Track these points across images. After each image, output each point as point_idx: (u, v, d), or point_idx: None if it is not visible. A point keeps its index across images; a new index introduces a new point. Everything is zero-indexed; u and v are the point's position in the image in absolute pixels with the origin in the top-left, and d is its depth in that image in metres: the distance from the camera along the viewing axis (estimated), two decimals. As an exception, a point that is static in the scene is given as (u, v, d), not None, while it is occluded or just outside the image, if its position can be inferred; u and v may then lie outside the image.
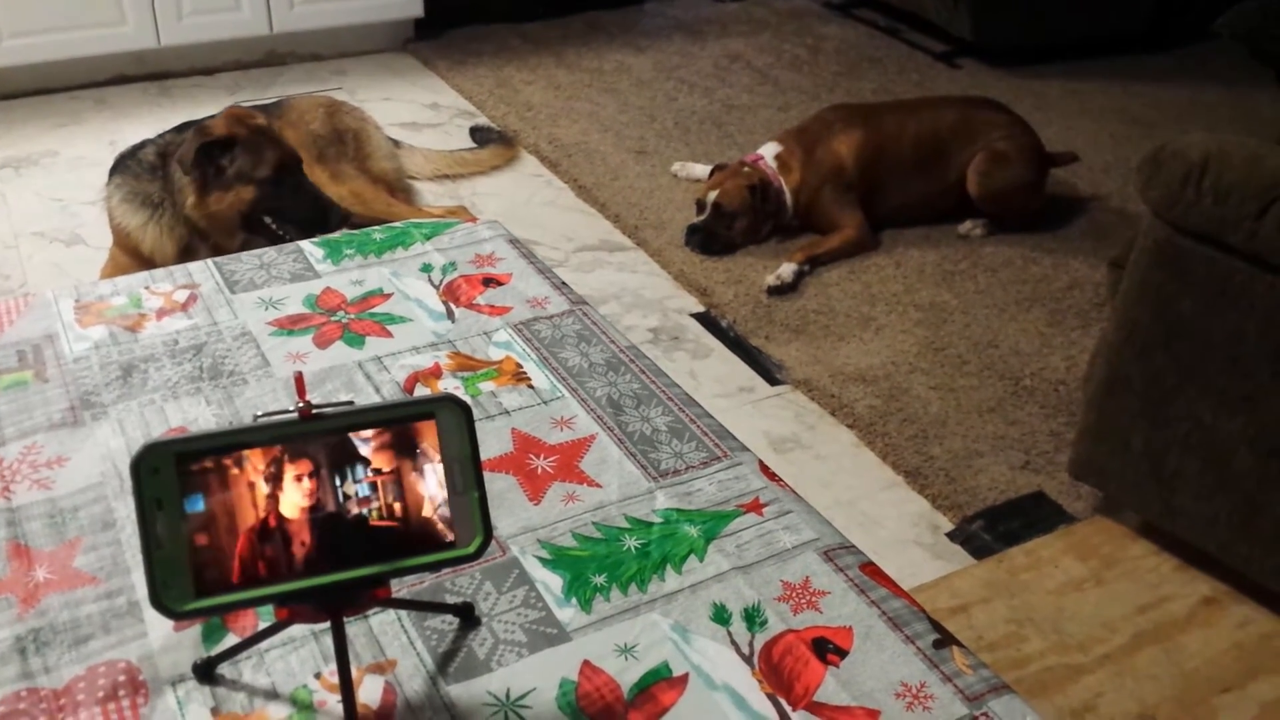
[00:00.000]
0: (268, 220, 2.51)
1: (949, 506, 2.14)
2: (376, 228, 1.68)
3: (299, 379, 0.85)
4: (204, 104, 3.66)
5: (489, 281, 1.53)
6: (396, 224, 1.69)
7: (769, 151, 3.05)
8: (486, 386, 1.35)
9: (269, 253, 1.61)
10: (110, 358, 1.40)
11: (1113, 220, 3.18)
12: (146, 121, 3.53)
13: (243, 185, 2.45)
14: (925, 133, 3.05)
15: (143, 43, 3.71)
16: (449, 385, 1.34)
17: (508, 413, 1.32)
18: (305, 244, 1.64)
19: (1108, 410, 1.98)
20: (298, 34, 3.96)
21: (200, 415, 1.30)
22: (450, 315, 1.49)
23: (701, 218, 2.97)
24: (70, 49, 3.62)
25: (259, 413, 0.85)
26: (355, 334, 1.45)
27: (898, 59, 4.29)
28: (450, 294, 1.52)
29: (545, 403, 1.34)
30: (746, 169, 3.00)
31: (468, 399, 1.33)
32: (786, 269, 2.83)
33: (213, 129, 2.44)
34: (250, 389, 1.35)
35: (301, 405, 0.83)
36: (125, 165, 2.58)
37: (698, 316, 2.74)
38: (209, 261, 1.60)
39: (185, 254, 2.53)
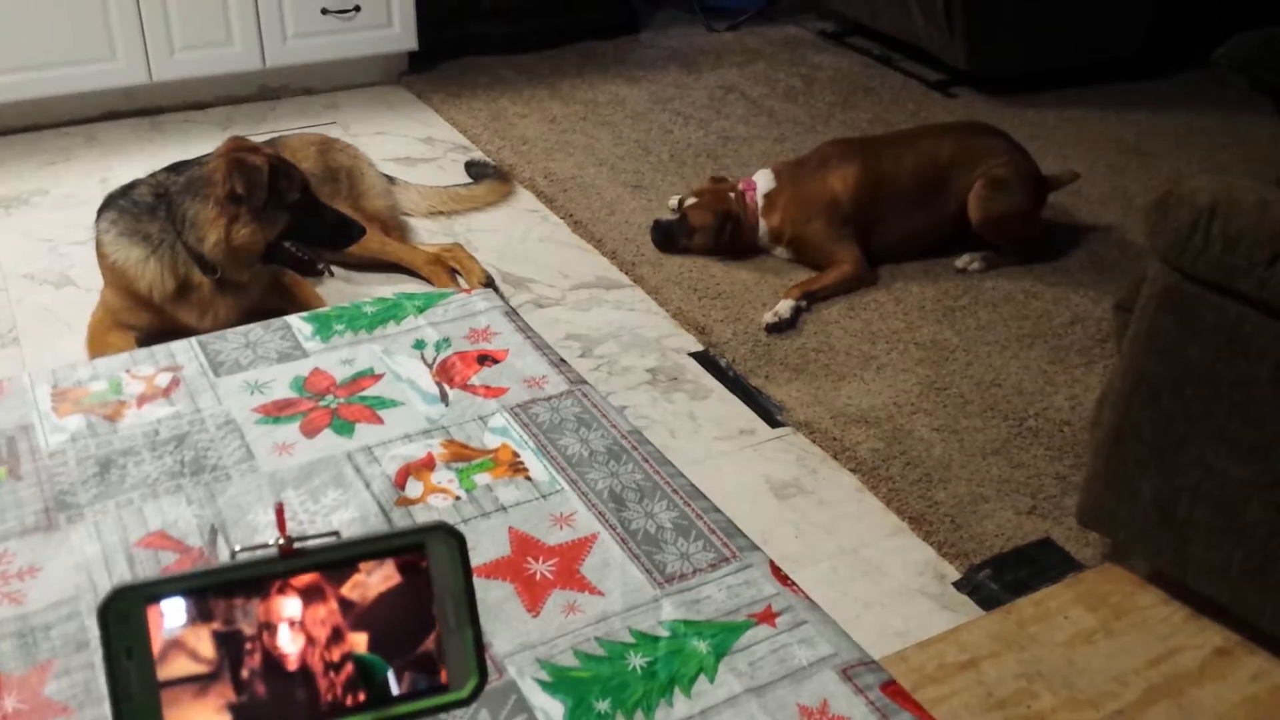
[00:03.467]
0: (288, 245, 2.48)
1: (955, 554, 2.10)
2: (367, 301, 1.62)
3: (279, 511, 0.80)
4: (196, 140, 3.64)
5: (484, 359, 1.48)
6: (388, 296, 1.62)
7: (761, 185, 3.06)
8: (482, 479, 1.29)
9: (255, 329, 1.55)
10: (88, 451, 1.33)
11: (1113, 253, 3.15)
12: (138, 158, 3.50)
13: (276, 212, 2.43)
14: (924, 164, 3.03)
15: (134, 78, 3.68)
16: (443, 478, 1.28)
17: (504, 509, 1.26)
18: (293, 319, 1.57)
19: (1116, 458, 1.95)
20: (290, 68, 3.94)
21: (181, 516, 1.24)
22: (444, 398, 1.43)
23: (669, 218, 3.11)
24: (60, 85, 3.59)
25: (237, 548, 0.80)
26: (344, 421, 1.39)
27: (892, 88, 4.28)
28: (444, 373, 1.47)
29: (544, 496, 1.27)
30: (732, 195, 3.07)
31: (462, 493, 1.28)
32: (784, 306, 2.80)
33: (254, 160, 2.39)
34: (234, 486, 1.28)
35: (282, 541, 0.78)
36: (117, 204, 2.55)
37: (696, 356, 2.70)
38: (193, 341, 1.53)
39: (184, 290, 2.50)
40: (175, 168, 2.59)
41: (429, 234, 3.17)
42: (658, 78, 4.30)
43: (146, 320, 2.53)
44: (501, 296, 2.87)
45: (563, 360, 1.47)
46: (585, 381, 1.43)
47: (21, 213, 3.22)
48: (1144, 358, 1.87)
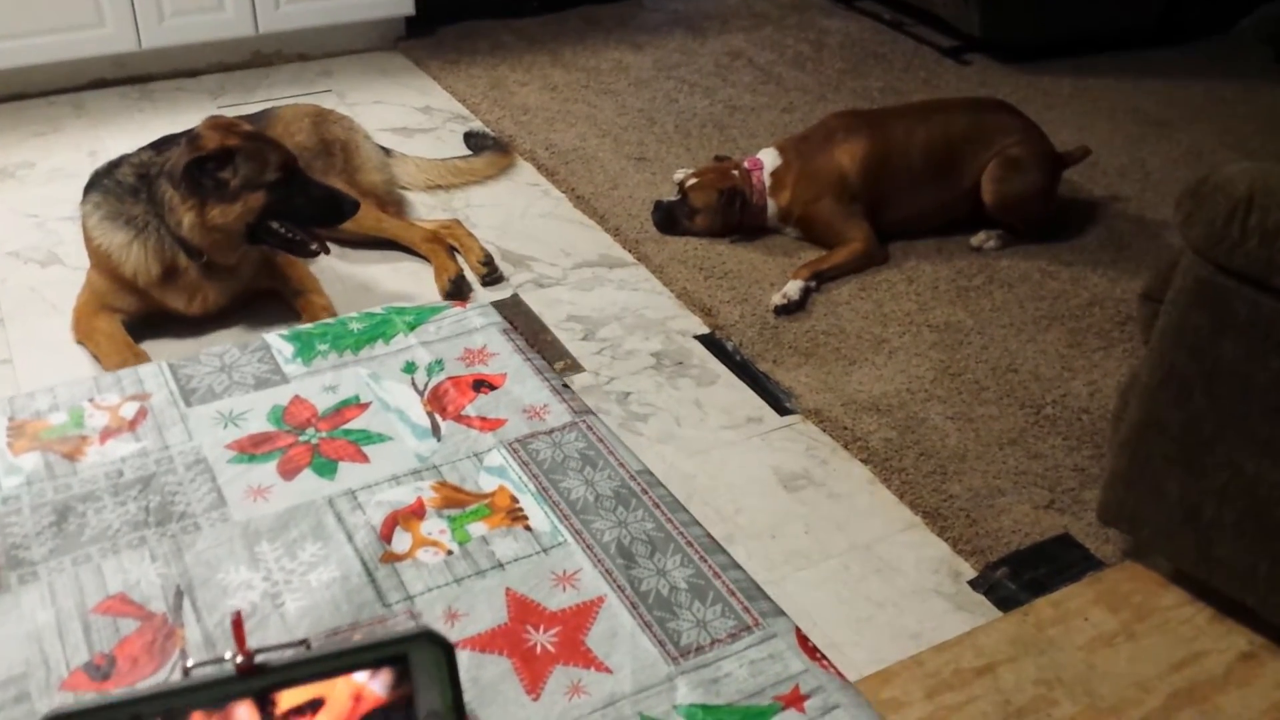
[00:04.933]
0: (275, 225, 2.39)
1: (971, 551, 2.03)
2: (354, 315, 1.49)
3: (237, 624, 0.70)
4: (187, 108, 3.54)
5: (480, 385, 1.35)
6: (376, 311, 1.49)
7: (768, 162, 2.95)
8: (476, 530, 1.17)
9: (232, 351, 1.42)
10: (44, 496, 1.21)
11: (1131, 229, 3.06)
12: (127, 128, 3.40)
13: (250, 194, 2.33)
14: (936, 139, 2.93)
15: (122, 45, 3.57)
16: (433, 528, 1.16)
17: (501, 566, 1.13)
18: (273, 338, 1.44)
19: (1140, 454, 1.87)
20: (284, 34, 3.82)
21: (143, 576, 1.12)
22: (436, 431, 1.30)
23: (671, 199, 3.01)
24: (46, 53, 3.48)
25: (190, 662, 0.71)
26: (326, 459, 1.26)
27: (904, 55, 4.16)
28: (436, 402, 1.34)
29: (545, 550, 1.15)
30: (736, 172, 2.95)
31: (455, 546, 1.16)
32: (793, 287, 2.71)
33: (204, 143, 2.31)
34: (203, 538, 1.16)
35: (240, 659, 0.68)
36: (102, 184, 2.46)
37: (702, 339, 2.62)
38: (164, 365, 1.40)
39: (170, 274, 2.42)
40: (161, 144, 2.50)
41: (427, 209, 3.08)
42: (662, 43, 4.18)
43: (133, 304, 2.45)
44: (501, 278, 2.80)
45: (565, 385, 1.35)
46: (590, 411, 1.31)
47: (7, 187, 3.12)
48: (1173, 352, 1.78)
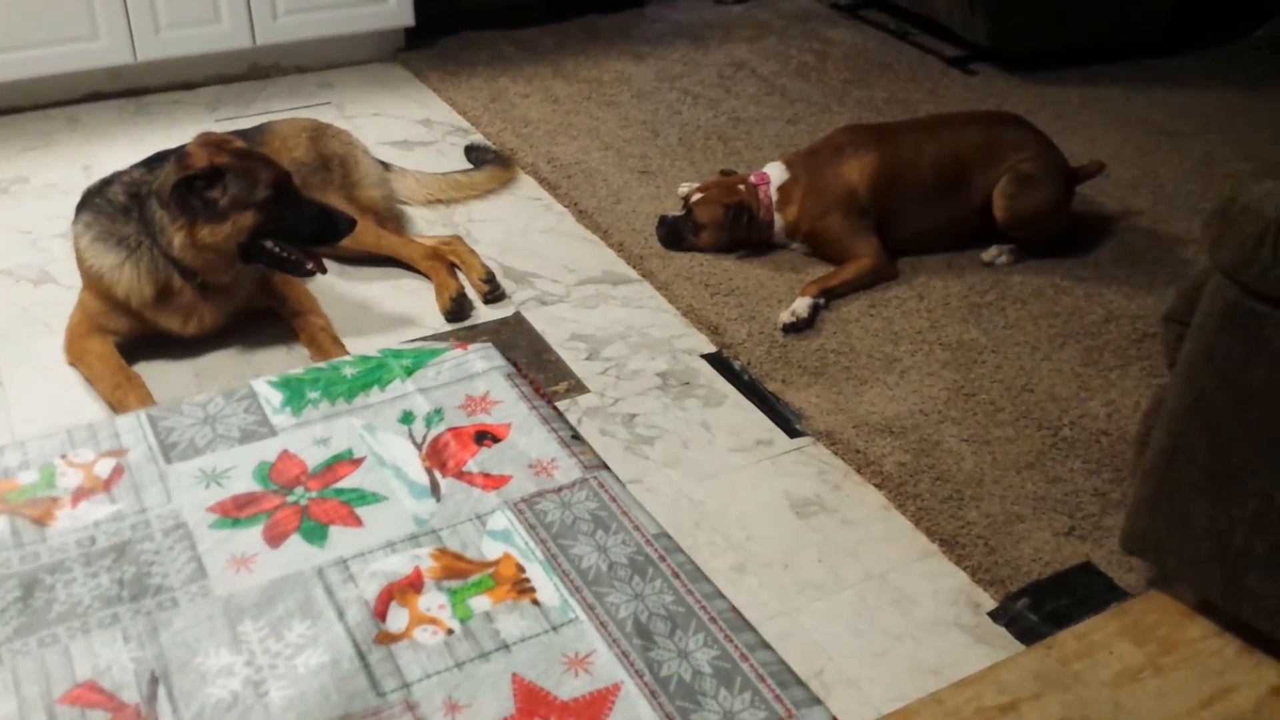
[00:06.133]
0: (269, 244, 2.34)
1: (990, 581, 1.97)
2: (347, 360, 1.40)
3: None
4: (183, 122, 3.48)
5: (483, 437, 1.24)
6: (371, 355, 1.41)
7: (775, 177, 2.89)
8: (479, 604, 1.05)
9: (216, 400, 1.33)
10: (9, 567, 1.11)
11: (1145, 243, 3.00)
12: (122, 142, 3.35)
13: (240, 213, 2.27)
14: (946, 154, 2.87)
15: (117, 58, 3.52)
16: (432, 602, 1.05)
17: (507, 647, 1.02)
18: (260, 385, 1.35)
19: (1166, 482, 1.81)
20: (282, 46, 3.77)
21: (115, 660, 1.01)
22: (435, 489, 1.19)
23: (676, 213, 2.94)
24: (39, 66, 3.43)
25: None
26: (316, 523, 1.15)
27: (909, 65, 4.10)
28: (435, 457, 1.23)
29: (555, 628, 1.04)
30: (742, 187, 2.89)
31: (456, 624, 1.05)
32: (801, 304, 2.65)
33: (192, 161, 2.26)
34: (181, 616, 1.06)
35: None
36: (93, 204, 2.40)
37: (709, 358, 2.56)
38: (142, 416, 1.31)
39: (164, 295, 2.36)
40: (153, 161, 2.43)
41: (427, 224, 3.02)
42: (665, 54, 4.12)
43: (127, 325, 2.39)
44: (503, 296, 2.74)
45: (575, 436, 1.27)
46: (603, 465, 1.23)
47: (0, 203, 3.06)
48: (1202, 377, 1.72)
